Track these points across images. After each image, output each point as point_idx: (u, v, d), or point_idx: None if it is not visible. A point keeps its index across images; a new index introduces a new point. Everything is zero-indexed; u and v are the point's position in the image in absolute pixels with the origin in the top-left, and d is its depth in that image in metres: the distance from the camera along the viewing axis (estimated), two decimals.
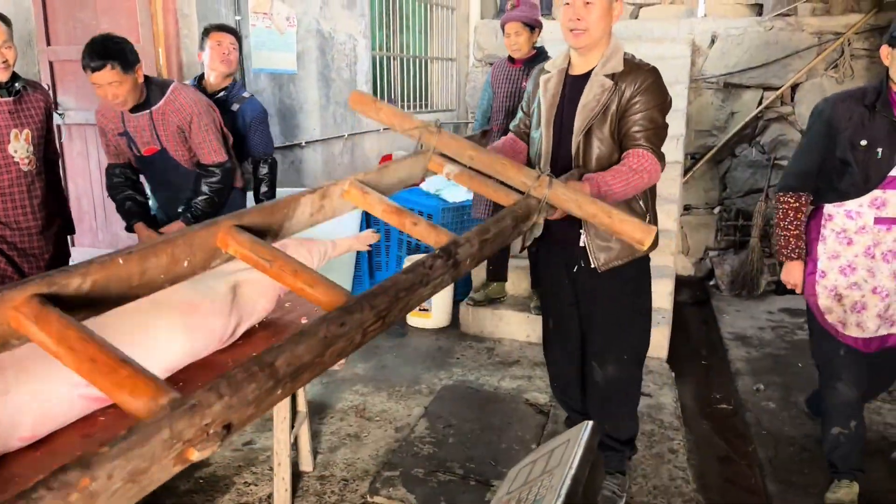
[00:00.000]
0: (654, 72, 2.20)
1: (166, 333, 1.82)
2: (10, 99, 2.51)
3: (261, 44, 4.31)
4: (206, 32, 3.22)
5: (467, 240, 1.35)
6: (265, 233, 1.31)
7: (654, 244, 2.41)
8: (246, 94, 3.34)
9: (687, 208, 5.77)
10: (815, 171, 2.42)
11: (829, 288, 2.45)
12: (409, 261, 4.23)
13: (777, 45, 5.26)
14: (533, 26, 3.61)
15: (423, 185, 4.73)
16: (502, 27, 3.66)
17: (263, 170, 3.35)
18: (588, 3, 2.11)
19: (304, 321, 2.39)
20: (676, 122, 4.87)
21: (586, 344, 2.42)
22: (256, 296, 2.19)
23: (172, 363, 1.84)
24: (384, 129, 5.69)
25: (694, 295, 5.39)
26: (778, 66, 5.28)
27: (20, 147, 2.54)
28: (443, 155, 1.79)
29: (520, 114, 2.48)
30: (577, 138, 2.20)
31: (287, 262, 1.18)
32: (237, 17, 4.10)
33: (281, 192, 4.47)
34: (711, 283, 5.46)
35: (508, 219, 1.55)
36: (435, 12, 6.73)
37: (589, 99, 2.17)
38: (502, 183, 1.76)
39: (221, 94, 3.24)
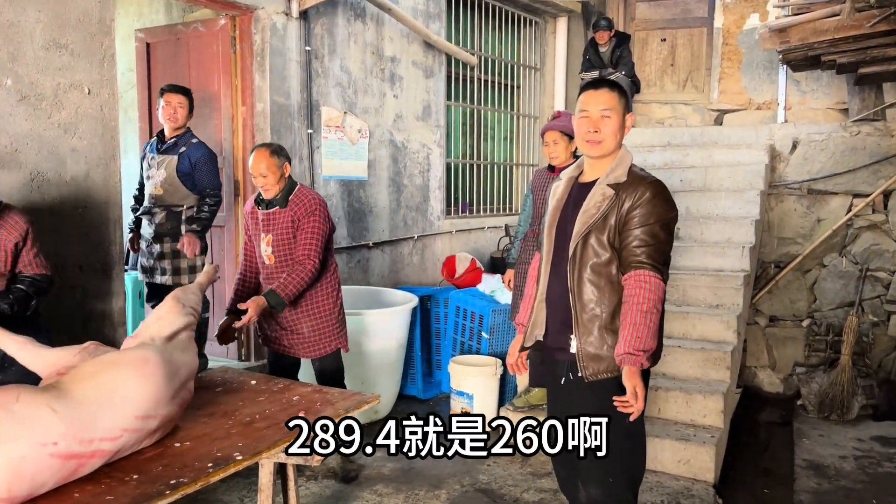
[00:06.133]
0: (655, 184, 2.17)
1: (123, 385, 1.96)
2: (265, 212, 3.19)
3: (331, 153, 4.70)
4: (161, 92, 3.85)
5: None
6: None
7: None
8: (194, 140, 3.93)
9: (773, 320, 5.39)
10: None
11: None
12: (456, 362, 4.24)
13: (865, 151, 4.97)
14: (571, 136, 3.69)
15: (480, 287, 4.80)
16: (542, 136, 3.78)
17: (206, 200, 3.92)
18: (605, 116, 2.18)
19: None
20: (744, 229, 4.69)
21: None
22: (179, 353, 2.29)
23: (141, 408, 1.95)
24: (456, 230, 5.89)
25: (778, 414, 4.95)
26: (867, 172, 4.96)
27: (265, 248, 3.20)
28: None
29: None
30: (574, 242, 2.20)
31: None
32: (309, 131, 4.52)
33: (347, 289, 4.71)
34: (800, 402, 4.99)
35: None
36: (520, 121, 7.00)
37: (590, 206, 2.19)
38: None
39: (172, 139, 3.91)
